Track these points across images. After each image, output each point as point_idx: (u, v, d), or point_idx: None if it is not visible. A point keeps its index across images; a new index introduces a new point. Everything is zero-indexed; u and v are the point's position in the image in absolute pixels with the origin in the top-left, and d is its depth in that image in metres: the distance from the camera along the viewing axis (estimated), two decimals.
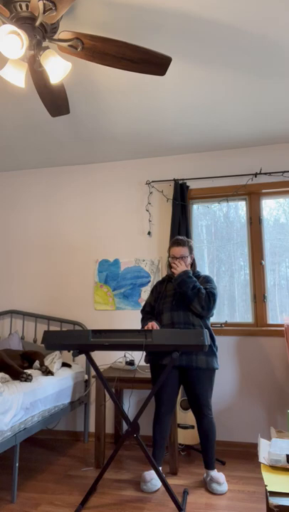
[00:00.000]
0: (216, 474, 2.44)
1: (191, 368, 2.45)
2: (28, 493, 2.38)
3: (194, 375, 2.46)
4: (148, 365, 3.33)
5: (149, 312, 2.72)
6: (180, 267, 2.59)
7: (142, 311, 2.77)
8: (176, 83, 2.54)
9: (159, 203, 3.63)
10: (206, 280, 2.63)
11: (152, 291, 2.78)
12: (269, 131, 3.21)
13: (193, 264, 2.74)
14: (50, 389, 2.70)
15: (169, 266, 2.69)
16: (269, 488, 1.39)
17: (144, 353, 2.65)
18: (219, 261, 3.55)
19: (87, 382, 3.39)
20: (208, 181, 3.55)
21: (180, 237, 2.71)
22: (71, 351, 2.12)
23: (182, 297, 2.56)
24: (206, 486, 2.44)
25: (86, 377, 3.39)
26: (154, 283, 3.44)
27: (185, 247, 2.66)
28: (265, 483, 1.43)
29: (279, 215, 3.47)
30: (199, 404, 2.46)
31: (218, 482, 2.39)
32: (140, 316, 2.91)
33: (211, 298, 2.50)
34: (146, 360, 2.60)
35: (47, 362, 3.05)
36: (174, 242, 2.69)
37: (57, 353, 3.19)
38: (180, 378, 2.53)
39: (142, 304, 3.50)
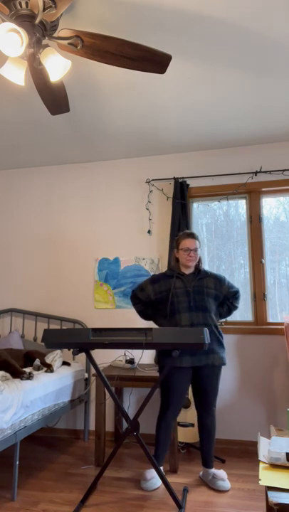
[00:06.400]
0: (218, 472, 2.45)
1: (208, 365, 2.44)
2: (29, 491, 2.38)
3: (210, 372, 2.45)
4: (148, 363, 3.33)
5: (145, 304, 2.60)
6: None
7: (134, 299, 2.64)
8: (176, 81, 2.54)
9: (159, 202, 3.63)
10: (221, 279, 2.66)
11: (153, 284, 2.57)
12: (269, 129, 3.21)
13: (200, 260, 2.64)
14: (50, 387, 2.70)
15: (176, 259, 2.61)
16: (262, 483, 1.40)
17: (155, 353, 2.56)
18: (219, 259, 3.54)
19: (87, 381, 3.39)
20: (209, 180, 3.55)
21: (190, 231, 2.64)
22: (71, 350, 2.12)
23: (199, 297, 2.49)
24: (209, 484, 2.44)
25: (86, 375, 3.40)
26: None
27: (197, 241, 2.59)
28: (260, 477, 1.44)
29: (279, 214, 3.47)
30: (209, 400, 2.47)
31: (222, 479, 2.41)
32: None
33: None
34: (158, 361, 2.49)
35: (48, 360, 3.05)
36: (188, 235, 2.59)
37: (58, 351, 3.19)
38: (192, 377, 2.51)
39: None
